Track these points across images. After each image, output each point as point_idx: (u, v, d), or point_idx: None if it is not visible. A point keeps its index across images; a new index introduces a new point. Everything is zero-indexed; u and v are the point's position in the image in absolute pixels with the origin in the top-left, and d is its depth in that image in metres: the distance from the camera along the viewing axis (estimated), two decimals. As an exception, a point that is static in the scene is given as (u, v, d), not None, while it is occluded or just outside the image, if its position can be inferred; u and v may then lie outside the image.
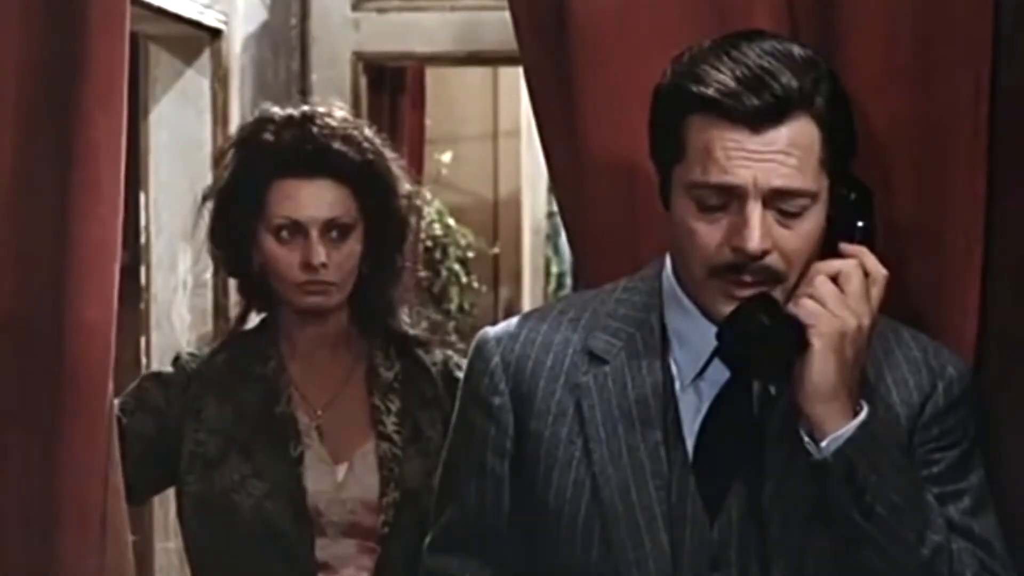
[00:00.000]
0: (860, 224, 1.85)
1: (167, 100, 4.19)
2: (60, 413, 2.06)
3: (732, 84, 1.77)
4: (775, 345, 1.79)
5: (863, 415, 1.79)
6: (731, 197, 1.79)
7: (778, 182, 1.78)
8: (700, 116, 1.79)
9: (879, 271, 1.82)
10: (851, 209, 1.85)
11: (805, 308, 1.79)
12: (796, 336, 1.78)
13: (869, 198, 1.87)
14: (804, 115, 1.79)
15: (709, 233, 1.80)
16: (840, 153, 1.83)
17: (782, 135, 1.78)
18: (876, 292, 1.82)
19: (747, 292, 1.80)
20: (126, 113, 2.10)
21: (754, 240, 1.77)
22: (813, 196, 1.80)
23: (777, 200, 1.79)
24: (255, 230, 2.56)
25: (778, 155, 1.77)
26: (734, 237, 1.78)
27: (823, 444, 1.78)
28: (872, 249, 1.83)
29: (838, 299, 1.79)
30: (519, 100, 7.55)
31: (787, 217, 1.80)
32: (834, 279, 1.80)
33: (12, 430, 2.07)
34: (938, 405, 1.89)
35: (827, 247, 1.83)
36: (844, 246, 1.83)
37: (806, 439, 1.79)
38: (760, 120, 1.77)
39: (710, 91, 1.77)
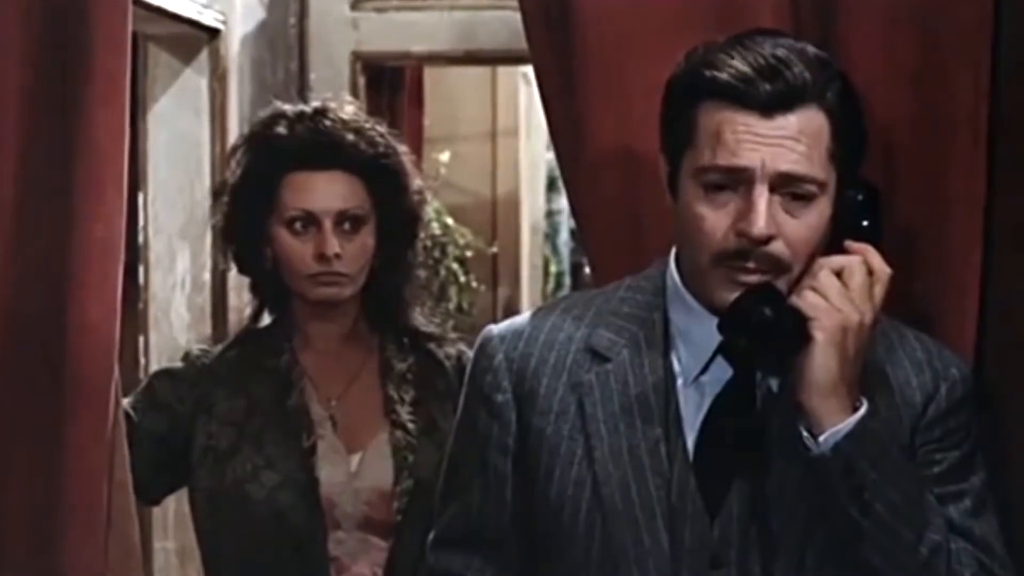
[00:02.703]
0: (865, 223, 1.85)
1: (165, 99, 4.19)
2: (63, 413, 2.06)
3: (746, 71, 1.79)
4: (776, 337, 1.79)
5: (863, 411, 1.80)
6: (739, 181, 1.79)
7: (785, 167, 1.79)
8: (712, 101, 1.80)
9: (883, 269, 1.83)
10: (858, 208, 1.85)
11: (808, 301, 1.79)
12: (798, 329, 1.78)
13: (876, 197, 1.87)
14: (814, 106, 1.80)
15: (716, 219, 1.81)
16: (850, 150, 1.84)
17: (792, 122, 1.79)
18: (880, 290, 1.82)
19: (751, 279, 1.81)
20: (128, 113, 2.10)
21: (759, 224, 1.78)
22: (820, 185, 1.81)
23: (784, 186, 1.79)
24: (268, 224, 2.57)
25: (787, 140, 1.79)
26: (740, 222, 1.79)
27: (821, 439, 1.78)
28: (878, 248, 1.84)
29: (841, 294, 1.79)
30: (517, 100, 7.56)
31: (794, 205, 1.80)
32: (838, 274, 1.80)
33: (16, 431, 2.06)
34: (940, 406, 1.89)
35: (833, 246, 1.83)
36: (849, 243, 1.83)
37: (804, 434, 1.79)
38: (771, 105, 1.78)
39: (724, 76, 1.79)
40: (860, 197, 1.86)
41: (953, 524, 1.87)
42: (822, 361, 1.78)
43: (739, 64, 1.79)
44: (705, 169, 1.81)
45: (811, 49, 1.83)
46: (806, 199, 1.81)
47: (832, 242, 1.84)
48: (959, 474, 1.89)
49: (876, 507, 1.79)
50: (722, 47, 1.83)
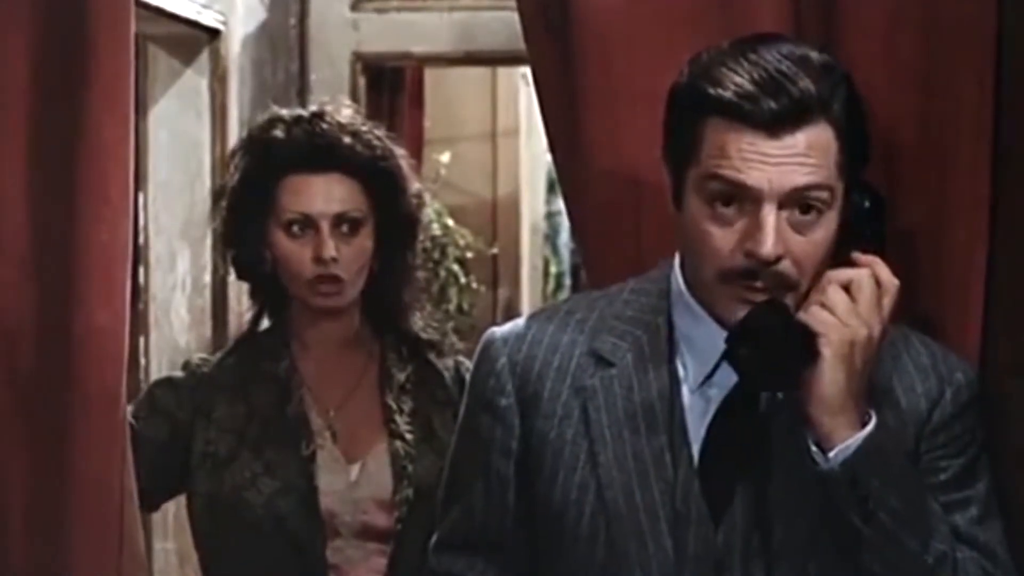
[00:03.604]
0: (871, 232, 1.83)
1: (166, 100, 4.19)
2: (73, 419, 2.05)
3: (750, 87, 1.75)
4: (785, 354, 1.77)
5: (871, 426, 1.78)
6: (745, 200, 1.77)
7: (796, 182, 1.76)
8: (716, 118, 1.77)
9: (891, 281, 1.81)
10: (864, 216, 1.84)
11: (816, 317, 1.77)
12: (806, 344, 1.77)
13: (882, 206, 1.86)
14: (822, 120, 1.77)
15: (723, 237, 1.79)
16: (856, 158, 1.82)
17: (799, 140, 1.76)
18: (888, 302, 1.80)
19: (759, 297, 1.79)
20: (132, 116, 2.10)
21: (768, 245, 1.76)
22: (831, 191, 1.79)
23: (793, 201, 1.77)
24: (266, 228, 2.57)
25: (795, 158, 1.76)
26: (748, 242, 1.77)
27: (831, 455, 1.77)
28: (884, 257, 1.82)
29: (849, 308, 1.77)
30: (518, 100, 7.56)
31: (802, 222, 1.78)
32: (846, 288, 1.78)
33: (25, 437, 2.05)
34: (946, 412, 1.88)
35: (839, 254, 1.82)
36: (857, 255, 1.81)
37: (813, 449, 1.78)
38: (777, 124, 1.75)
39: (728, 94, 1.76)
40: (867, 204, 1.84)
41: (959, 532, 1.85)
42: (831, 377, 1.76)
43: (743, 80, 1.76)
44: (709, 177, 1.78)
45: (815, 56, 1.79)
46: (816, 211, 1.78)
47: (838, 250, 1.82)
48: (965, 481, 1.88)
49: (880, 516, 1.78)
50: (724, 58, 1.79)
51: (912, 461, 1.85)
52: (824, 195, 1.78)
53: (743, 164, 1.76)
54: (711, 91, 1.77)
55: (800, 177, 1.76)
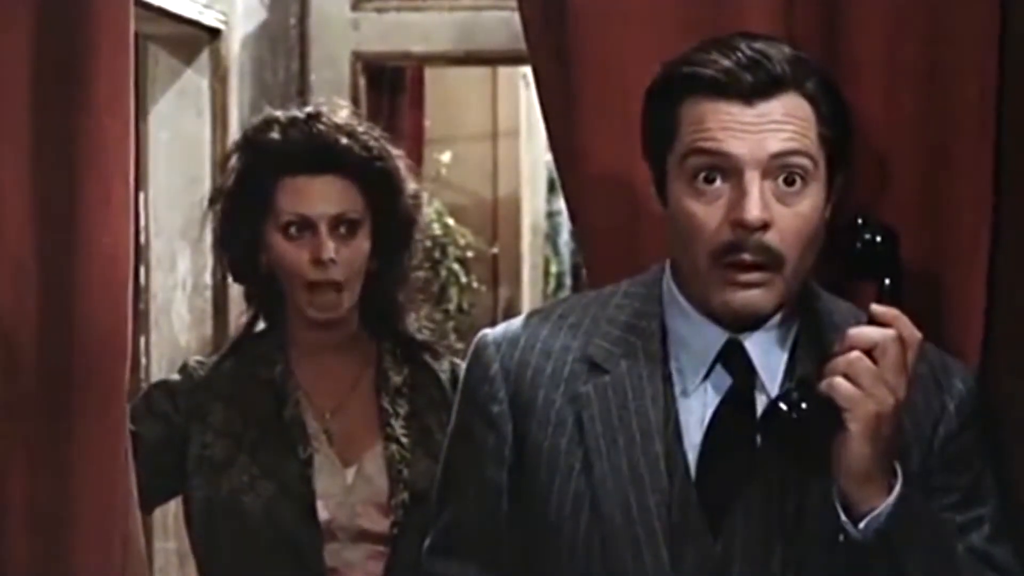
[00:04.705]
0: (888, 281, 1.79)
1: (166, 100, 4.19)
2: (75, 419, 2.05)
3: (729, 64, 1.78)
4: (812, 432, 1.74)
5: (898, 488, 1.75)
6: (728, 172, 1.78)
7: (775, 146, 1.77)
8: (693, 98, 1.79)
9: (914, 336, 1.75)
10: (877, 259, 1.81)
11: (840, 391, 1.72)
12: (832, 417, 1.73)
13: (895, 245, 1.82)
14: (796, 93, 1.79)
15: (708, 214, 1.78)
16: (837, 139, 1.82)
17: (774, 107, 1.78)
18: (911, 355, 1.75)
19: (749, 277, 1.78)
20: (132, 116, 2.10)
21: (753, 210, 1.75)
22: (812, 160, 1.79)
23: (776, 170, 1.77)
24: (263, 230, 2.56)
25: (772, 124, 1.77)
26: (732, 212, 1.77)
27: (862, 525, 1.74)
28: (900, 303, 1.77)
29: (874, 377, 1.72)
30: (518, 100, 7.56)
31: (787, 193, 1.78)
32: (869, 352, 1.73)
33: (27, 436, 2.05)
34: (951, 426, 1.86)
35: (848, 275, 1.80)
36: (876, 310, 1.76)
37: (843, 518, 1.74)
38: (754, 94, 1.77)
39: (708, 71, 1.78)
40: (878, 239, 1.81)
41: (975, 550, 1.84)
42: (858, 451, 1.72)
43: (720, 59, 1.78)
44: (690, 153, 1.79)
45: (787, 48, 1.82)
46: (801, 180, 1.78)
47: (847, 272, 1.82)
48: (977, 498, 1.86)
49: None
50: (700, 48, 1.82)
51: (920, 482, 1.81)
52: (805, 162, 1.79)
53: (723, 134, 1.77)
54: (688, 70, 1.80)
55: (778, 142, 1.77)
